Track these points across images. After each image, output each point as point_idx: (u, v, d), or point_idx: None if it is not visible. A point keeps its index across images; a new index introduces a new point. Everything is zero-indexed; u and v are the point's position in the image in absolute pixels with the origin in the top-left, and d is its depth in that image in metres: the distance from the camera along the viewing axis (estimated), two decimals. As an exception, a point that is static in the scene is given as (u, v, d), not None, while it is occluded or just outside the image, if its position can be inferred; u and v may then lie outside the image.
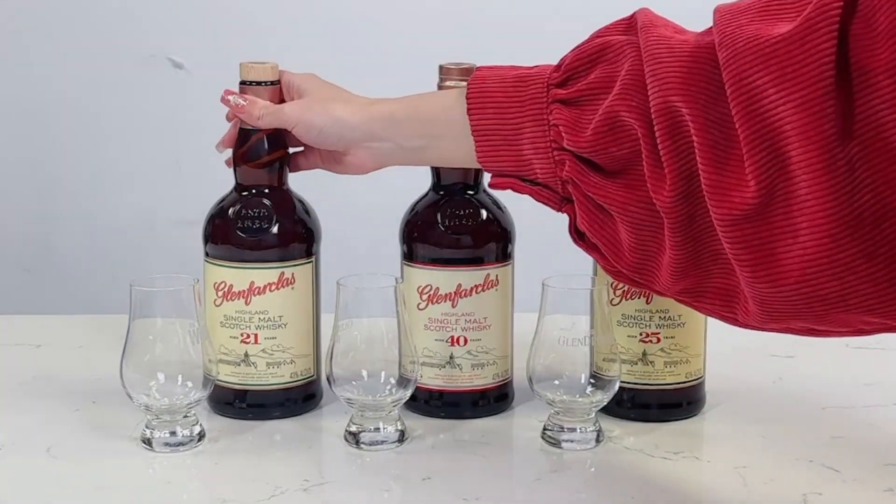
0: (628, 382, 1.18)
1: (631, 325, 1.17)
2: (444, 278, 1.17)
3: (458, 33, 2.04)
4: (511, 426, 1.19)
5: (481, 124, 0.99)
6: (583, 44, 0.98)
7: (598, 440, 1.14)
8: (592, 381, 1.13)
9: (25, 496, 1.04)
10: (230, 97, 1.16)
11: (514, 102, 0.98)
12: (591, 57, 0.96)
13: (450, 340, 1.18)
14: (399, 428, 1.14)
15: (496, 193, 1.21)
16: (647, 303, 1.17)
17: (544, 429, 1.15)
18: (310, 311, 1.19)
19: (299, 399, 1.20)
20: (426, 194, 1.21)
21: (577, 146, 0.94)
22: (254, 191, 1.18)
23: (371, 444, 1.12)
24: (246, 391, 1.18)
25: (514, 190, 1.01)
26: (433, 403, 1.20)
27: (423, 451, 1.13)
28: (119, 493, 1.04)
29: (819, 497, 1.03)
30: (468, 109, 1.00)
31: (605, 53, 0.96)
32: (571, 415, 1.13)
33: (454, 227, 1.18)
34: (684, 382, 1.19)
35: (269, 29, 2.06)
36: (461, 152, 1.02)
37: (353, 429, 1.13)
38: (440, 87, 1.18)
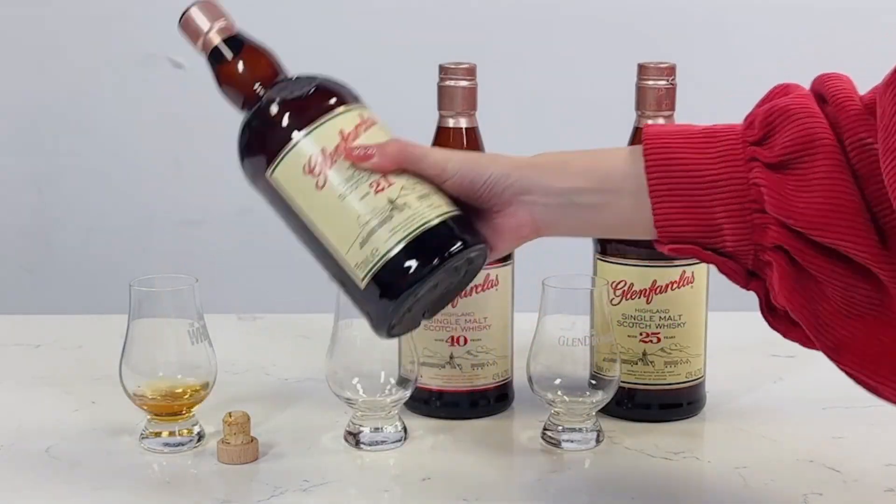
0: (628, 382, 1.18)
1: (631, 325, 1.17)
2: None
3: (458, 33, 2.04)
4: (511, 426, 1.19)
5: (662, 184, 0.88)
6: (772, 101, 0.89)
7: (598, 440, 1.14)
8: (592, 381, 1.13)
9: (25, 496, 1.03)
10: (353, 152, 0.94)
11: (706, 160, 0.87)
12: (784, 115, 0.87)
13: (449, 340, 1.18)
14: (399, 428, 1.14)
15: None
16: (648, 303, 1.17)
17: (544, 429, 1.15)
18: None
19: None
20: None
21: (787, 215, 0.85)
22: None
23: (371, 444, 1.12)
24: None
25: (697, 257, 0.89)
26: (433, 403, 1.20)
27: (423, 451, 1.13)
28: (119, 493, 1.04)
29: (819, 497, 1.03)
30: (647, 167, 0.88)
31: (798, 115, 0.86)
32: (571, 415, 1.13)
33: None
34: (684, 382, 1.19)
35: (269, 29, 2.06)
36: (641, 214, 0.89)
37: (353, 429, 1.13)
38: (440, 87, 1.18)
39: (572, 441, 1.13)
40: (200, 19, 0.99)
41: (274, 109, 0.95)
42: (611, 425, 1.17)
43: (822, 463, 1.09)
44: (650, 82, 1.16)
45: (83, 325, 1.52)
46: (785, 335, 0.90)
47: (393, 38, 2.08)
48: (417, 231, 0.89)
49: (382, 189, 0.91)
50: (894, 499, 1.03)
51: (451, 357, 1.19)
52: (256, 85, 0.98)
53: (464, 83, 1.17)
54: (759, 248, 0.87)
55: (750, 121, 0.89)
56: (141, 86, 2.10)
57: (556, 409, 1.13)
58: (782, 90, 0.90)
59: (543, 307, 1.12)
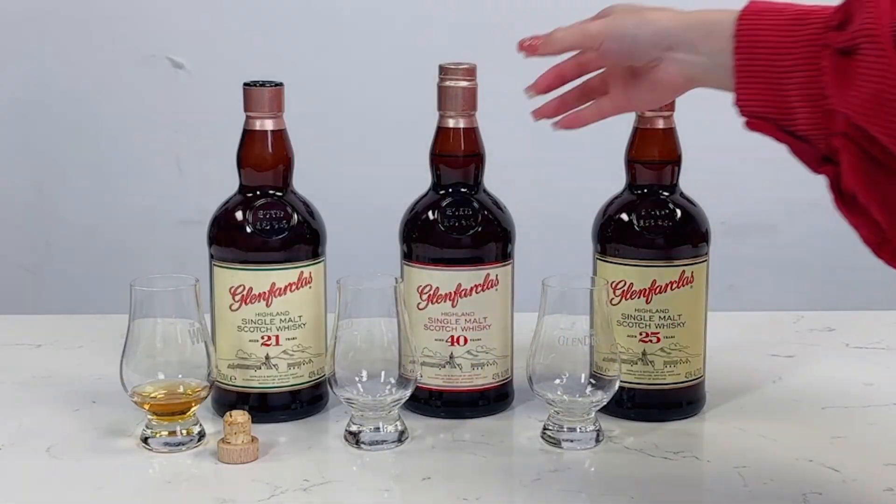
0: (628, 382, 1.18)
1: (631, 324, 1.17)
2: (445, 278, 1.17)
3: (458, 33, 2.04)
4: (511, 426, 1.19)
5: (747, 64, 0.91)
6: None
7: (598, 440, 1.14)
8: (592, 381, 1.13)
9: (25, 496, 1.04)
10: (525, 43, 1.06)
11: (789, 43, 0.90)
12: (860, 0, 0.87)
13: (450, 340, 1.18)
14: (399, 428, 1.14)
15: (496, 193, 1.21)
16: (647, 303, 1.17)
17: (544, 429, 1.15)
18: (323, 310, 1.20)
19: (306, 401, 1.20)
20: (426, 194, 1.21)
21: (841, 104, 0.86)
22: (258, 192, 1.18)
23: (371, 444, 1.13)
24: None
25: (773, 137, 0.92)
26: (433, 403, 1.20)
27: (423, 451, 1.13)
28: (119, 493, 1.04)
29: (819, 497, 1.03)
30: (735, 48, 0.91)
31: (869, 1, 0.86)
32: (571, 415, 1.13)
33: (454, 228, 1.18)
34: (684, 382, 1.19)
35: (269, 29, 2.06)
36: None
37: (353, 429, 1.13)
38: (440, 88, 1.18)
39: (572, 441, 1.13)
40: None
41: None
42: (611, 425, 1.17)
43: (822, 463, 1.09)
44: (650, 82, 1.16)
45: (83, 325, 1.52)
46: (851, 222, 0.90)
47: (393, 38, 2.08)
48: None
49: None
50: (894, 499, 1.03)
51: (451, 357, 1.19)
52: None
53: (463, 83, 1.17)
54: (829, 132, 0.88)
55: (838, 4, 0.89)
56: (141, 86, 2.10)
57: (556, 409, 1.13)
58: None
59: (543, 307, 1.12)
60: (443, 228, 1.18)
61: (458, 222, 1.18)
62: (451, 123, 1.18)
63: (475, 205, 1.19)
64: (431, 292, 1.17)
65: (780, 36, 0.90)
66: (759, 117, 0.91)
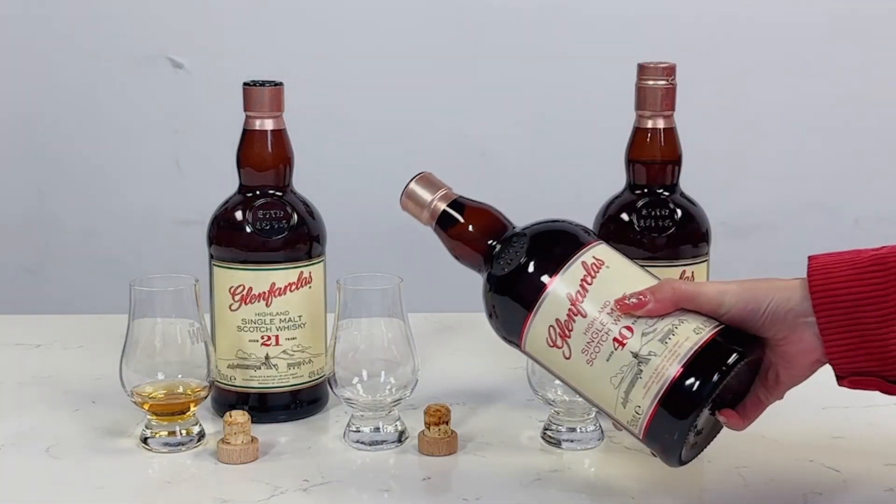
0: (628, 382, 1.18)
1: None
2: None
3: (458, 34, 2.04)
4: (511, 426, 1.19)
5: (832, 321, 0.88)
6: None
7: (598, 440, 1.14)
8: (592, 381, 1.12)
9: (25, 496, 1.03)
10: (625, 301, 0.93)
11: (877, 291, 0.87)
12: None
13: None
14: (399, 428, 1.14)
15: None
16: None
17: (544, 429, 1.15)
18: (322, 310, 1.20)
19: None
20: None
21: None
22: (258, 192, 1.18)
23: (371, 444, 1.12)
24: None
25: (881, 391, 0.90)
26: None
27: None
28: (119, 493, 1.04)
29: (819, 497, 1.03)
30: (814, 306, 0.88)
31: None
32: (571, 415, 1.13)
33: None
34: (684, 382, 1.19)
35: (269, 29, 2.06)
36: None
37: (353, 429, 1.13)
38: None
39: (572, 441, 1.13)
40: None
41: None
42: (611, 425, 1.17)
43: (822, 463, 1.09)
44: (650, 82, 1.16)
45: (83, 325, 1.52)
46: None
47: (394, 38, 2.08)
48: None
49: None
50: (894, 499, 1.03)
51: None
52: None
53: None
54: None
55: None
56: (141, 86, 2.10)
57: (556, 409, 1.13)
58: None
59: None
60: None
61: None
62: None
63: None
64: None
65: (864, 286, 0.87)
66: (861, 374, 0.88)
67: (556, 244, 0.96)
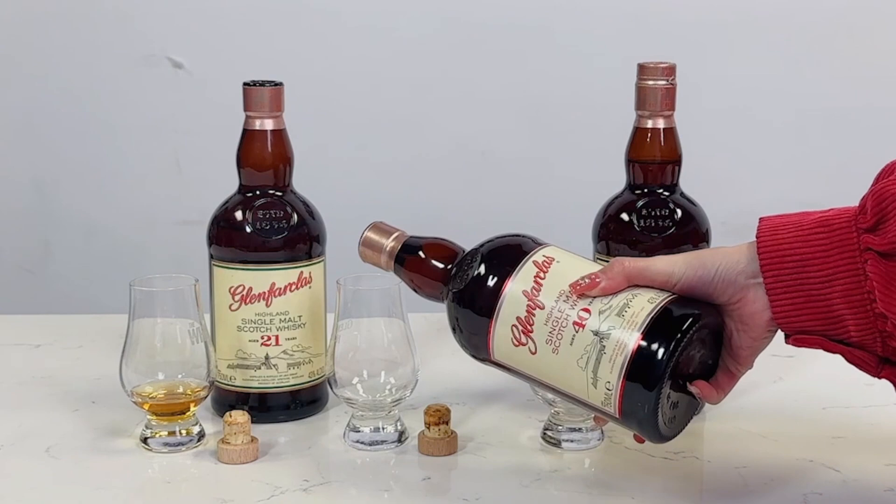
0: (628, 382, 1.18)
1: (631, 325, 1.17)
2: None
3: (459, 34, 2.04)
4: (511, 426, 1.19)
5: (779, 280, 0.89)
6: (881, 186, 0.88)
7: (598, 440, 1.14)
8: (592, 381, 1.12)
9: (25, 496, 1.03)
10: (578, 283, 0.95)
11: (820, 252, 0.88)
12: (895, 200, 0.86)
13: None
14: (399, 428, 1.14)
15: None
16: (647, 303, 1.16)
17: (544, 429, 1.15)
18: (322, 310, 1.20)
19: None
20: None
21: (891, 309, 0.85)
22: (258, 192, 1.18)
23: (371, 444, 1.12)
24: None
25: (823, 349, 0.91)
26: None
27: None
28: (119, 493, 1.04)
29: (819, 497, 1.03)
30: (761, 266, 0.90)
31: None
32: (571, 415, 1.13)
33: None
34: (684, 382, 1.19)
35: (269, 29, 2.06)
36: None
37: (353, 429, 1.13)
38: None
39: (572, 441, 1.13)
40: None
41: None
42: (611, 425, 1.17)
43: (822, 463, 1.09)
44: (650, 82, 1.16)
45: (83, 325, 1.52)
46: None
47: (394, 38, 2.08)
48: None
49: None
50: (894, 499, 1.03)
51: None
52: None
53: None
54: (885, 334, 0.87)
55: (862, 205, 0.89)
56: (141, 86, 2.10)
57: (556, 409, 1.13)
58: (890, 168, 0.90)
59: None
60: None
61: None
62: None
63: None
64: None
65: (809, 247, 0.89)
66: (805, 332, 0.90)
67: (508, 252, 1.00)
